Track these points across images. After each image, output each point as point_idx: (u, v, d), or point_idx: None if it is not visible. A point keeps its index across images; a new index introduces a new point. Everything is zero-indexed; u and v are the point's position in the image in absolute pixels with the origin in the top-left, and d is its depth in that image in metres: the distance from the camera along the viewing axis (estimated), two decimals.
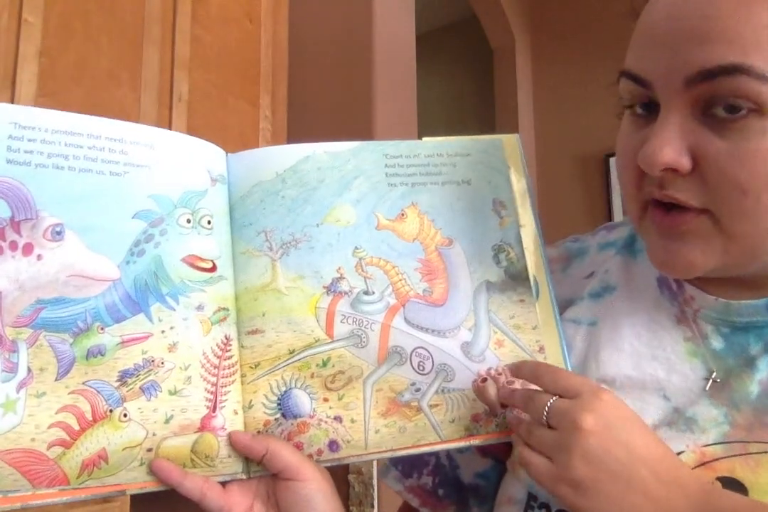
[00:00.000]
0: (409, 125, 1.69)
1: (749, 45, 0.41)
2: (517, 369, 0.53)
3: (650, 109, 0.47)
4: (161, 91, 1.14)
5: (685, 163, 0.44)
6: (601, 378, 0.54)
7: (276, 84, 1.41)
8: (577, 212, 2.46)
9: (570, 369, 0.56)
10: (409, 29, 1.74)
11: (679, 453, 0.48)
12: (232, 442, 0.50)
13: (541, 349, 0.57)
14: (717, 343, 0.51)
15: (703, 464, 0.47)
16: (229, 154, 0.58)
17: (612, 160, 2.50)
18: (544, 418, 0.46)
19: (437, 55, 3.18)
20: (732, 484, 0.46)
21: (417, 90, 1.74)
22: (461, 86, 3.25)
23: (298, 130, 1.50)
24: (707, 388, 0.50)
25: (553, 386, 0.47)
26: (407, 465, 0.65)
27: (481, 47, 2.85)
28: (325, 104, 1.61)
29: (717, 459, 0.47)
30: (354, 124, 1.55)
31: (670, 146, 0.44)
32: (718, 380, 0.50)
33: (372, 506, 1.43)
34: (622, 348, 0.54)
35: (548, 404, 0.46)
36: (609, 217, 2.50)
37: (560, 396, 0.47)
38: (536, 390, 0.49)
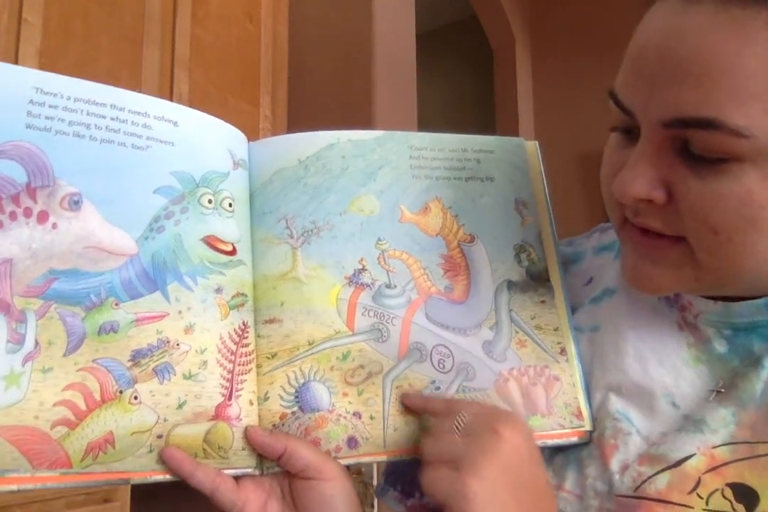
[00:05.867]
0: (409, 125, 1.68)
1: (727, 97, 0.39)
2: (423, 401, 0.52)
3: (632, 134, 0.46)
4: (161, 90, 1.14)
5: (658, 195, 0.43)
6: (606, 386, 0.52)
7: (276, 84, 1.40)
8: (576, 212, 2.42)
9: (582, 374, 0.54)
10: (409, 29, 1.73)
11: (690, 457, 0.46)
12: (249, 438, 0.47)
13: (563, 351, 0.55)
14: (720, 347, 0.50)
15: (713, 469, 0.45)
16: (250, 141, 0.56)
17: None
18: (461, 425, 0.46)
19: (437, 55, 3.15)
20: (743, 491, 0.44)
21: (417, 90, 1.73)
22: (461, 86, 3.22)
23: (298, 130, 1.49)
24: (712, 399, 0.49)
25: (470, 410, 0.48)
26: (407, 484, 0.61)
27: (481, 47, 2.84)
28: (325, 104, 1.59)
29: (725, 464, 0.46)
30: (354, 123, 1.55)
31: (642, 179, 0.43)
32: (723, 390, 0.49)
33: (372, 506, 1.37)
34: (627, 352, 0.53)
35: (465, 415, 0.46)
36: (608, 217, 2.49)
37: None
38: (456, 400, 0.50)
